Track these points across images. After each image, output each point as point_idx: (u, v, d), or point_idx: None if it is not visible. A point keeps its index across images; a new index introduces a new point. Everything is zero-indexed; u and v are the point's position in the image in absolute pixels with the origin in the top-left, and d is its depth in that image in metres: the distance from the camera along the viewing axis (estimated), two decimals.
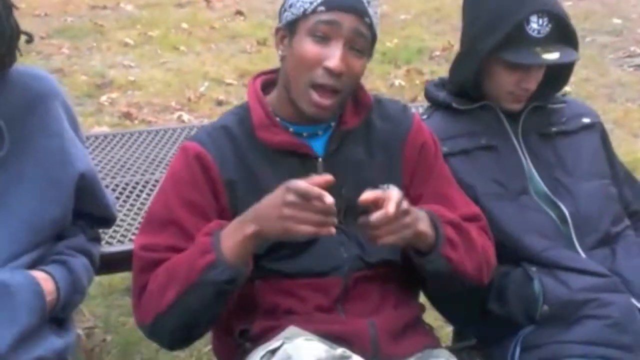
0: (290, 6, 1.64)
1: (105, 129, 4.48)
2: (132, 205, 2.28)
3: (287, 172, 1.60)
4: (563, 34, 1.88)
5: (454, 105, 1.98)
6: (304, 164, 1.66)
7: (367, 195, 1.51)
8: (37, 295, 1.59)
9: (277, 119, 1.68)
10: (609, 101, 5.22)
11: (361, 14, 1.61)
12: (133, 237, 2.05)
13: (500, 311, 1.83)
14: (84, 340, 2.86)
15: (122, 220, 2.16)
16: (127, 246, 2.02)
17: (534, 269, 1.82)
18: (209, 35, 6.62)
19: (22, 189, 1.65)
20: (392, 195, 1.51)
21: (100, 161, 2.58)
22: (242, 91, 5.03)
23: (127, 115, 4.85)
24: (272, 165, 1.66)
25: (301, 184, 1.45)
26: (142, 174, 2.46)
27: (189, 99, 5.13)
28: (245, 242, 1.52)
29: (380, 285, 1.69)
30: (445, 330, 2.52)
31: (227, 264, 1.51)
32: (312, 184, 1.46)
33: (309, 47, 1.60)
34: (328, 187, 1.50)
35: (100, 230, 1.95)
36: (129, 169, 2.54)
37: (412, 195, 1.71)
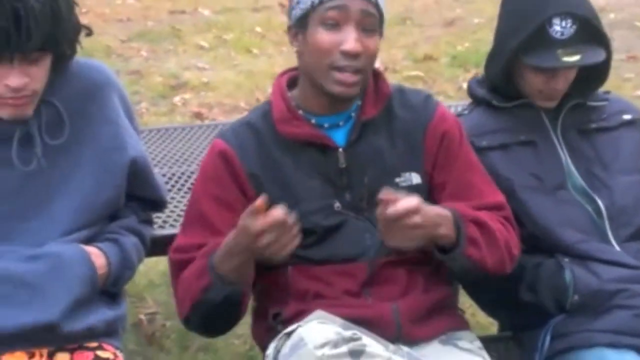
0: (298, 2, 1.69)
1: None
2: (185, 192, 2.42)
3: (308, 163, 1.69)
4: (591, 34, 1.88)
5: (494, 102, 2.01)
6: (325, 154, 1.72)
7: (385, 194, 1.56)
8: (89, 267, 1.70)
9: (300, 111, 1.74)
10: None
11: None
12: None
13: (533, 300, 1.86)
14: (145, 325, 3.00)
15: (175, 206, 2.30)
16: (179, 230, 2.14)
17: (566, 259, 1.84)
18: (282, 39, 6.71)
19: (80, 171, 1.76)
20: (406, 201, 1.56)
21: (160, 152, 2.78)
22: None
23: (198, 115, 5.00)
24: (293, 157, 1.72)
25: (255, 225, 1.51)
26: (197, 165, 2.61)
27: (258, 100, 5.25)
28: (238, 266, 1.61)
29: (408, 269, 1.73)
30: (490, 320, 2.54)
31: (222, 285, 1.62)
32: (254, 212, 1.52)
33: (322, 36, 1.65)
34: (351, 176, 1.56)
35: (155, 215, 2.07)
36: (186, 159, 2.72)
37: (436, 183, 1.76)
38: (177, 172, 2.59)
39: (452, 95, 5.23)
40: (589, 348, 1.75)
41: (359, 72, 1.67)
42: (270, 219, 1.50)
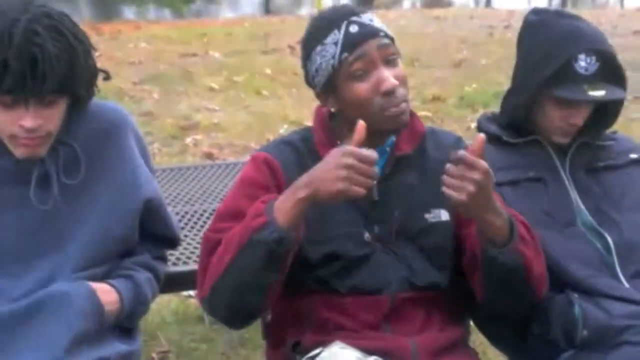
0: (317, 71, 1.73)
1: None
2: (198, 230, 2.46)
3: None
4: (611, 72, 1.93)
5: (504, 138, 2.05)
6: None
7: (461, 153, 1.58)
8: (92, 302, 1.71)
9: (338, 142, 1.77)
10: None
11: (374, 32, 1.70)
12: (197, 259, 2.20)
13: (543, 334, 1.87)
14: None
15: (188, 243, 2.33)
16: (191, 267, 2.18)
17: (575, 295, 1.86)
18: (291, 81, 6.82)
19: (95, 209, 1.80)
20: (477, 159, 1.57)
21: (173, 191, 2.84)
22: None
23: (209, 155, 5.05)
24: None
25: (362, 150, 1.55)
26: (210, 203, 2.65)
27: (268, 140, 5.31)
28: (297, 205, 1.60)
29: (426, 307, 1.76)
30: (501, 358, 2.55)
31: (277, 226, 1.59)
32: (357, 138, 1.57)
33: (358, 88, 1.70)
34: (382, 209, 1.59)
35: (169, 252, 2.10)
36: (198, 198, 2.77)
37: (464, 221, 1.79)
38: (189, 210, 2.65)
39: (460, 136, 5.25)
40: None
41: (405, 99, 1.72)
42: (363, 150, 1.55)
